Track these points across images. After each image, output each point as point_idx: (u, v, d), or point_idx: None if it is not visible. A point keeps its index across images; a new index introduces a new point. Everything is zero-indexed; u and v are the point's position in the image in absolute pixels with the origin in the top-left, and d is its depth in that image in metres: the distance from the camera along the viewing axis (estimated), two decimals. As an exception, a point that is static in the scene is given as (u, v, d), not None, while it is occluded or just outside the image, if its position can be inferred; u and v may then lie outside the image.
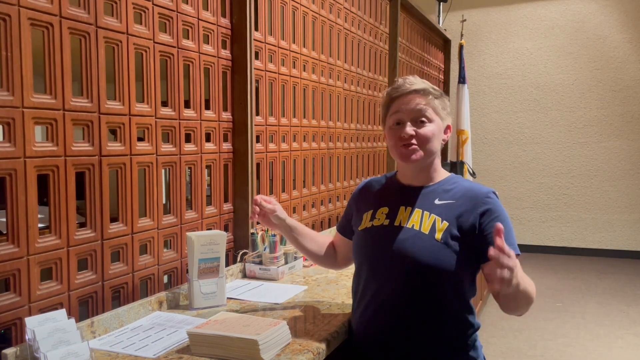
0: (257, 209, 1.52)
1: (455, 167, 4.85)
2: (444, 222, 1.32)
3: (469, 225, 1.30)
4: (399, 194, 1.43)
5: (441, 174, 1.44)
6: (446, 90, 5.71)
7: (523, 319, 4.11)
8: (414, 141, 1.35)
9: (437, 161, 1.44)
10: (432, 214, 1.34)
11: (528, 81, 6.53)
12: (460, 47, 5.57)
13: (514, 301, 1.25)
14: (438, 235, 1.30)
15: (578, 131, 6.36)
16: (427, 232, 1.32)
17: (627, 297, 4.70)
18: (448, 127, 1.43)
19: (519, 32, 6.55)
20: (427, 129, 1.36)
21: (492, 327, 3.95)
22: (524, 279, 1.22)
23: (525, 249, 6.54)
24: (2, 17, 1.22)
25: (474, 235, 1.30)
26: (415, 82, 1.40)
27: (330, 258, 1.63)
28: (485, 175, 6.66)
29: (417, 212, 1.36)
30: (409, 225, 1.35)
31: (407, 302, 1.32)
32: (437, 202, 1.36)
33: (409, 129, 1.35)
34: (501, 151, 6.70)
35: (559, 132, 6.44)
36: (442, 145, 1.43)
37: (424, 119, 1.36)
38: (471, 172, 5.20)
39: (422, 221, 1.34)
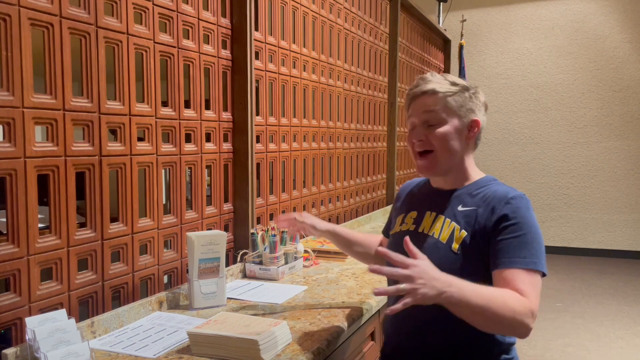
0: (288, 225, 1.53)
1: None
2: (462, 230, 1.24)
3: (485, 232, 1.21)
4: (429, 198, 1.38)
5: (473, 176, 1.34)
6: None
7: (523, 319, 4.11)
8: (427, 147, 1.29)
9: (467, 163, 1.33)
10: (452, 222, 1.27)
11: (528, 81, 6.53)
12: (460, 47, 5.57)
13: (463, 314, 1.10)
14: (455, 245, 1.23)
15: (578, 131, 6.36)
16: (444, 242, 1.25)
17: (627, 297, 4.70)
18: (474, 122, 1.29)
19: (519, 32, 6.55)
20: (438, 132, 1.27)
21: (492, 327, 3.94)
22: (471, 288, 1.08)
23: (525, 249, 6.53)
24: (2, 17, 1.22)
25: (490, 241, 1.21)
26: (429, 81, 1.30)
27: (377, 256, 1.53)
28: (485, 175, 6.65)
29: (440, 218, 1.30)
30: (430, 233, 1.30)
31: (424, 312, 1.19)
32: (460, 208, 1.28)
33: (418, 134, 1.30)
34: (501, 151, 6.70)
35: (559, 132, 6.44)
36: (469, 144, 1.31)
37: (432, 122, 1.28)
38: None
39: (442, 229, 1.27)
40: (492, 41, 6.67)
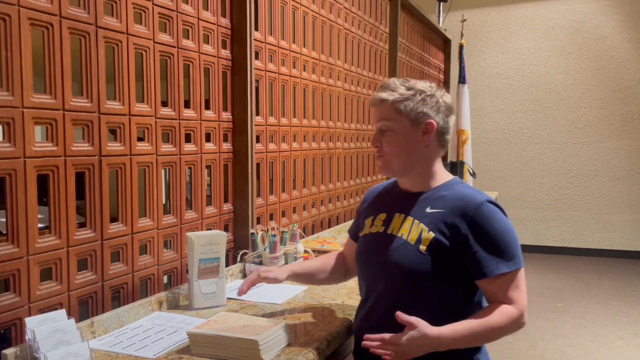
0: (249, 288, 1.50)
1: (455, 167, 4.85)
2: (430, 232, 1.27)
3: (458, 238, 1.25)
4: (397, 200, 1.41)
5: (439, 178, 1.37)
6: (446, 90, 5.71)
7: (523, 319, 4.11)
8: (382, 152, 1.35)
9: (432, 165, 1.36)
10: (420, 223, 1.30)
11: (528, 81, 6.53)
12: (460, 47, 5.57)
13: (465, 345, 1.25)
14: (423, 246, 1.27)
15: (578, 131, 6.36)
16: (412, 243, 1.29)
17: (627, 297, 4.70)
18: (428, 125, 1.31)
19: (519, 32, 6.55)
20: (388, 139, 1.33)
21: (492, 327, 3.94)
22: (460, 336, 1.21)
23: (525, 249, 6.51)
24: (2, 17, 1.22)
25: (461, 249, 1.25)
26: (383, 89, 1.34)
27: (340, 272, 1.61)
28: (485, 175, 6.66)
29: (409, 220, 1.33)
30: (399, 234, 1.33)
31: (393, 308, 1.24)
32: (428, 210, 1.32)
33: (374, 140, 1.36)
34: (501, 151, 6.70)
35: (559, 132, 6.44)
36: (429, 146, 1.33)
37: (384, 129, 1.33)
38: (471, 172, 5.20)
39: (410, 230, 1.31)
40: (492, 41, 6.67)
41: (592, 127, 6.31)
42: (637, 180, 6.15)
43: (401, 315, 1.19)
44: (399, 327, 1.22)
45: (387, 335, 1.20)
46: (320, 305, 1.63)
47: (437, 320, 1.22)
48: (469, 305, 1.30)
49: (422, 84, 1.34)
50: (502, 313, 1.22)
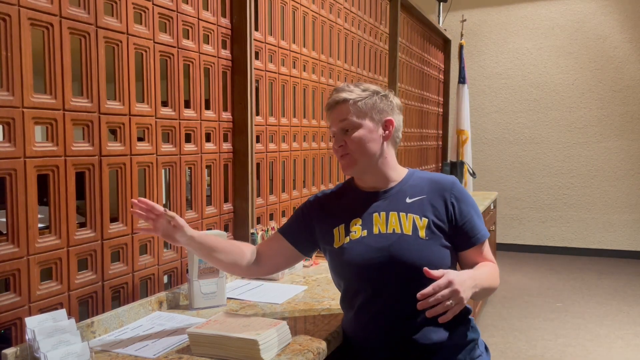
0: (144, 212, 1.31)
1: (455, 167, 4.85)
2: (423, 218, 1.35)
3: (445, 216, 1.37)
4: (366, 202, 1.41)
5: (400, 172, 1.45)
6: (446, 90, 5.71)
7: (523, 319, 4.11)
8: (347, 151, 1.38)
9: (390, 160, 1.43)
10: (409, 214, 1.36)
11: (528, 81, 6.53)
12: (460, 47, 5.57)
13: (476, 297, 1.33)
14: (422, 233, 1.34)
15: (578, 131, 6.36)
16: (410, 233, 1.34)
17: (627, 297, 4.70)
18: (388, 121, 1.40)
19: (519, 32, 6.55)
20: (354, 135, 1.37)
21: (492, 327, 3.95)
22: (482, 276, 1.32)
23: (525, 249, 6.54)
24: (2, 17, 1.22)
25: (451, 225, 1.36)
26: (341, 90, 1.40)
27: (246, 261, 1.47)
28: (485, 175, 6.66)
29: (393, 215, 1.37)
30: (389, 231, 1.35)
31: (407, 302, 1.29)
32: (408, 200, 1.39)
33: (338, 140, 1.39)
34: (501, 151, 6.70)
35: (559, 132, 6.44)
36: (388, 143, 1.41)
37: (347, 128, 1.38)
38: (471, 172, 5.20)
39: (401, 223, 1.36)
40: (492, 41, 6.67)
41: (592, 127, 6.31)
42: (637, 180, 6.15)
43: (428, 271, 1.21)
44: (417, 318, 1.30)
45: (434, 286, 1.18)
46: (320, 305, 1.63)
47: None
48: None
49: (374, 87, 1.43)
50: (495, 268, 1.41)
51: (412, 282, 1.29)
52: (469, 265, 1.40)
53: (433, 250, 1.33)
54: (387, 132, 1.40)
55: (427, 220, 1.35)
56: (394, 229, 1.35)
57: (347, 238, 1.39)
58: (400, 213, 1.37)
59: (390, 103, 1.41)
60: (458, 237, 1.37)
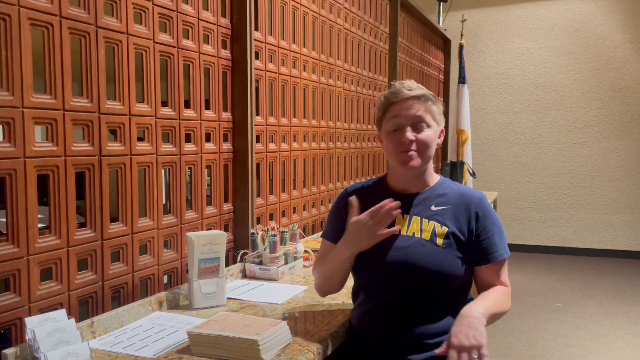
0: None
1: (455, 167, 4.84)
2: (443, 227, 1.36)
3: (467, 229, 1.37)
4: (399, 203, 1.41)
5: (434, 178, 1.47)
6: (446, 90, 5.72)
7: (523, 319, 4.11)
8: (413, 147, 1.37)
9: (431, 166, 1.46)
10: (430, 221, 1.37)
11: (528, 81, 6.53)
12: (460, 47, 5.57)
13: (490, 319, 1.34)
14: (439, 241, 1.35)
15: (578, 131, 6.36)
16: (428, 239, 1.35)
17: (627, 297, 4.70)
18: (442, 131, 1.45)
19: (519, 32, 6.55)
20: (426, 134, 1.38)
21: (492, 327, 3.92)
22: (492, 307, 1.31)
23: (525, 249, 6.54)
24: (2, 17, 1.22)
25: (471, 239, 1.37)
26: (414, 87, 1.40)
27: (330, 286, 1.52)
28: (485, 175, 6.66)
29: (416, 219, 1.39)
30: (409, 233, 1.37)
31: (416, 307, 1.35)
32: (433, 207, 1.40)
33: (410, 134, 1.36)
34: (501, 151, 6.70)
35: (559, 132, 6.44)
36: (435, 150, 1.45)
37: (423, 124, 1.38)
38: (471, 172, 5.20)
39: (421, 228, 1.37)
40: (492, 41, 6.67)
41: (592, 127, 6.31)
42: (637, 180, 6.15)
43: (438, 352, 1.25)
44: (414, 323, 1.32)
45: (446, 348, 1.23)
46: (320, 305, 1.63)
47: (454, 306, 1.34)
48: (467, 293, 1.43)
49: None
50: (507, 294, 1.40)
51: (423, 288, 1.34)
52: (483, 281, 1.41)
53: (447, 258, 1.34)
54: (439, 139, 1.43)
55: (447, 229, 1.35)
56: (414, 233, 1.37)
57: None
58: (423, 219, 1.38)
59: (441, 110, 1.44)
60: (476, 251, 1.37)
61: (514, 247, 6.54)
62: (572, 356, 3.46)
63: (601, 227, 6.29)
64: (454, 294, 1.38)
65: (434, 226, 1.36)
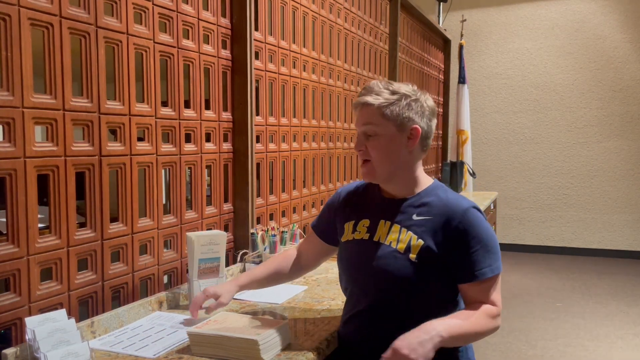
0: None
1: (455, 167, 4.85)
2: (419, 239, 1.28)
3: (447, 243, 1.27)
4: (381, 207, 1.38)
5: (422, 184, 1.36)
6: (446, 90, 5.71)
7: (523, 319, 4.11)
8: (368, 156, 1.32)
9: (414, 170, 1.35)
10: (409, 231, 1.30)
11: (528, 81, 6.53)
12: (460, 47, 5.58)
13: (455, 344, 1.29)
14: (413, 254, 1.27)
15: (578, 131, 6.36)
16: (402, 251, 1.28)
17: (627, 297, 4.70)
18: (413, 130, 1.30)
19: (519, 32, 6.55)
20: (374, 144, 1.30)
21: (492, 327, 3.94)
22: (458, 328, 1.21)
23: (525, 249, 6.54)
24: (2, 17, 1.22)
25: (449, 256, 1.27)
26: (368, 92, 1.31)
27: (295, 269, 1.57)
28: (485, 175, 6.66)
29: (396, 227, 1.32)
30: (387, 242, 1.32)
31: (385, 317, 1.31)
32: (415, 217, 1.31)
33: (359, 144, 1.33)
34: (501, 151, 6.70)
35: (559, 132, 6.44)
36: (412, 152, 1.32)
37: (370, 134, 1.30)
38: (471, 172, 5.20)
39: (399, 238, 1.30)
40: (492, 41, 6.67)
41: (592, 127, 6.31)
42: (637, 180, 6.15)
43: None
44: (383, 334, 1.25)
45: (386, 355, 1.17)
46: (320, 305, 1.63)
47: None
48: (452, 309, 1.33)
49: (405, 88, 1.32)
50: (488, 314, 1.28)
51: (391, 297, 1.30)
52: (467, 300, 1.32)
53: (418, 274, 1.26)
54: (412, 141, 1.30)
55: (422, 243, 1.27)
56: (391, 242, 1.31)
57: (352, 235, 1.40)
58: (402, 228, 1.31)
59: (420, 108, 1.31)
60: (456, 268, 1.28)
61: (514, 247, 6.55)
62: (572, 356, 3.46)
63: (601, 227, 6.29)
64: (435, 309, 1.28)
65: (411, 238, 1.28)
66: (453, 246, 1.27)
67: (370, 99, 1.30)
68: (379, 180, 1.36)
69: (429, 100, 1.34)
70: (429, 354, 1.14)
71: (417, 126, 1.30)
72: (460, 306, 1.37)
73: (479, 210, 1.31)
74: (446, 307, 1.32)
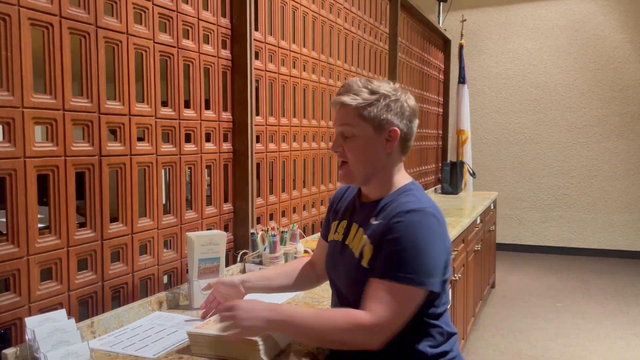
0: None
1: (455, 167, 4.85)
2: (372, 245, 1.22)
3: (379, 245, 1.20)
4: (356, 209, 1.36)
5: (394, 186, 1.30)
6: (446, 90, 5.71)
7: (523, 319, 4.11)
8: (344, 158, 1.28)
9: (391, 173, 1.29)
10: (364, 235, 1.25)
11: (528, 81, 6.54)
12: (460, 47, 5.58)
13: (298, 336, 1.23)
14: (365, 260, 1.22)
15: (578, 131, 6.36)
16: (357, 257, 1.25)
17: (627, 297, 4.70)
18: (392, 132, 1.25)
19: (519, 32, 6.55)
20: (351, 146, 1.26)
21: (492, 327, 3.95)
22: (297, 313, 1.17)
23: (525, 249, 6.54)
24: (2, 17, 1.22)
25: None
26: (346, 90, 1.26)
27: (308, 279, 1.53)
28: (485, 175, 6.66)
29: (360, 231, 1.28)
30: (351, 246, 1.29)
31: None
32: (372, 221, 1.26)
33: (336, 145, 1.29)
34: (501, 151, 6.70)
35: (559, 132, 6.44)
36: (391, 154, 1.27)
37: (347, 134, 1.26)
38: (471, 172, 5.20)
39: (358, 243, 1.26)
40: (492, 41, 6.67)
41: (592, 127, 6.31)
42: (637, 180, 6.15)
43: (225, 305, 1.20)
44: None
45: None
46: (320, 305, 1.63)
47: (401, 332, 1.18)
48: (418, 316, 1.21)
49: (386, 87, 1.26)
50: (347, 314, 1.15)
51: (352, 302, 1.25)
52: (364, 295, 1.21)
53: (366, 282, 1.19)
54: (390, 143, 1.26)
55: (372, 248, 1.21)
56: (353, 246, 1.28)
57: (333, 236, 1.40)
58: (364, 234, 1.26)
59: (400, 108, 1.25)
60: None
61: (514, 247, 6.55)
62: (572, 356, 3.46)
63: (601, 227, 6.29)
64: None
65: (365, 243, 1.23)
66: (378, 244, 1.20)
67: (347, 99, 1.25)
68: (356, 182, 1.32)
69: (410, 100, 1.29)
70: (259, 330, 1.16)
71: (395, 128, 1.25)
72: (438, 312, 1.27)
73: (434, 216, 1.19)
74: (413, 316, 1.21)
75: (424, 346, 1.24)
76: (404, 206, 1.20)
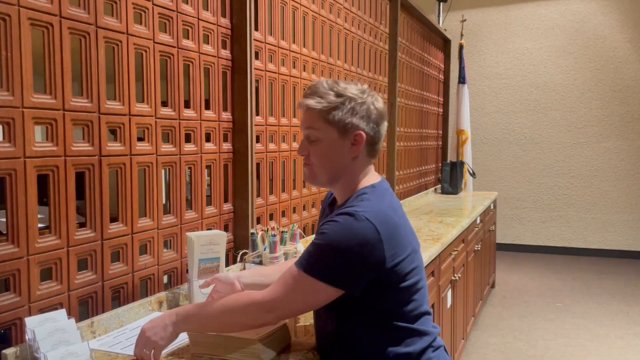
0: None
1: (455, 167, 4.85)
2: None
3: None
4: (327, 211, 1.37)
5: (355, 189, 1.28)
6: (446, 90, 5.71)
7: (523, 319, 4.11)
8: (309, 160, 1.27)
9: (358, 177, 1.27)
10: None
11: (528, 81, 6.54)
12: (460, 47, 5.58)
13: (206, 328, 1.23)
14: None
15: (578, 131, 6.37)
16: None
17: (627, 297, 4.70)
18: (357, 136, 1.23)
19: (519, 32, 6.55)
20: (315, 149, 1.25)
21: (492, 327, 3.95)
22: (194, 314, 1.20)
23: (525, 249, 6.55)
24: (2, 17, 1.22)
25: None
26: (312, 93, 1.24)
27: None
28: (485, 175, 6.66)
29: None
30: None
31: (321, 327, 1.30)
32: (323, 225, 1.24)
33: (302, 148, 1.27)
34: (501, 151, 6.70)
35: (559, 132, 6.44)
36: (356, 158, 1.25)
37: (312, 137, 1.24)
38: (471, 172, 5.20)
39: None
40: (492, 41, 6.67)
41: (592, 127, 6.31)
42: (637, 180, 6.15)
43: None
44: (329, 338, 1.25)
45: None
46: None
47: (363, 334, 1.21)
48: (386, 321, 1.21)
49: (352, 89, 1.24)
50: (242, 295, 1.21)
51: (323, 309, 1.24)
52: None
53: None
54: (356, 147, 1.24)
55: None
56: None
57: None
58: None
59: (366, 112, 1.23)
60: None
61: (514, 247, 6.55)
62: (572, 356, 3.46)
63: (601, 227, 6.29)
64: (358, 321, 1.21)
65: None
66: None
67: (312, 102, 1.23)
68: (321, 185, 1.31)
69: (377, 103, 1.26)
70: (171, 336, 1.19)
71: (361, 132, 1.23)
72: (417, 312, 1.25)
73: (369, 222, 1.13)
74: (372, 317, 1.21)
75: (398, 350, 1.21)
76: (346, 209, 1.17)
